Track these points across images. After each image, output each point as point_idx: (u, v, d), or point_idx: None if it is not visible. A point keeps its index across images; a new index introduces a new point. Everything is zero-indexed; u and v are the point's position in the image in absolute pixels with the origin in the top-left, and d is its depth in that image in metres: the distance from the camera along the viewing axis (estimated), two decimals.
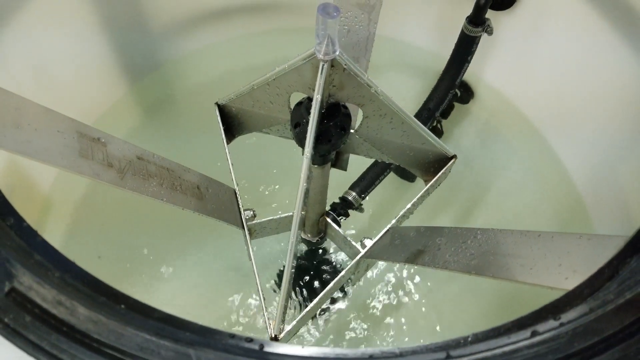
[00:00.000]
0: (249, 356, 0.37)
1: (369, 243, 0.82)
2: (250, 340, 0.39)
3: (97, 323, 0.38)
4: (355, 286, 1.18)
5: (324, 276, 1.16)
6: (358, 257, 0.82)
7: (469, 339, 0.37)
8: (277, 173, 1.32)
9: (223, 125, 0.86)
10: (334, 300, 1.17)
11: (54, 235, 1.17)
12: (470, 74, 1.30)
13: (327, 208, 1.01)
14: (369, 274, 1.19)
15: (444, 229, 0.75)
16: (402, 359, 0.36)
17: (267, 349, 0.38)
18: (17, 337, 0.38)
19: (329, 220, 0.93)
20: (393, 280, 1.19)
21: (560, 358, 0.36)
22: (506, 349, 0.36)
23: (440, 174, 0.82)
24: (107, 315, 0.38)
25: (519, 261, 0.57)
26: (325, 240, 1.00)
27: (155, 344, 0.37)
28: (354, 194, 1.10)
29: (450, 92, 1.25)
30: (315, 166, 0.79)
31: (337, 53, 0.62)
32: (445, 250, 0.71)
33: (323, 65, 0.62)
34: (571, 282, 0.49)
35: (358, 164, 1.01)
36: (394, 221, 0.82)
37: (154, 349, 0.37)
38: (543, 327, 0.38)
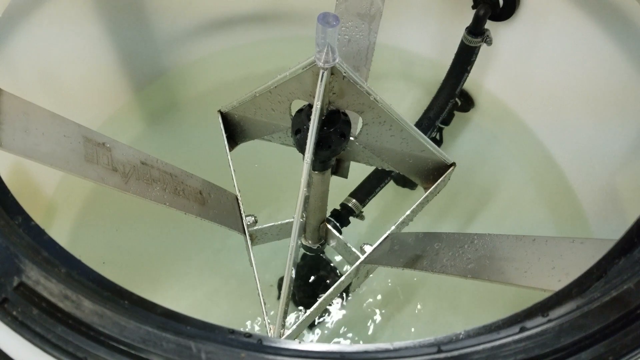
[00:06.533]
0: (248, 349, 0.38)
1: (368, 249, 0.83)
2: (249, 335, 0.40)
3: (102, 316, 0.39)
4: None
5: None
6: (358, 262, 0.82)
7: (461, 335, 0.39)
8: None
9: (226, 132, 0.87)
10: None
11: (57, 239, 1.18)
12: (471, 83, 1.31)
13: (328, 215, 1.02)
14: None
15: (442, 234, 0.76)
16: (395, 353, 0.38)
17: (266, 343, 0.39)
18: (24, 329, 0.40)
19: (329, 227, 0.94)
20: None
21: (547, 352, 0.37)
22: (495, 343, 0.38)
23: (439, 181, 0.83)
24: (112, 309, 0.40)
25: (514, 265, 0.59)
26: (326, 246, 1.01)
27: (157, 336, 0.38)
28: (354, 201, 1.11)
29: (450, 101, 1.26)
30: (316, 172, 0.80)
31: (337, 61, 0.64)
32: (443, 255, 0.72)
33: (323, 72, 0.64)
34: (563, 285, 0.50)
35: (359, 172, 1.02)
36: (393, 228, 0.83)
37: (156, 341, 0.38)
38: (531, 324, 0.39)
